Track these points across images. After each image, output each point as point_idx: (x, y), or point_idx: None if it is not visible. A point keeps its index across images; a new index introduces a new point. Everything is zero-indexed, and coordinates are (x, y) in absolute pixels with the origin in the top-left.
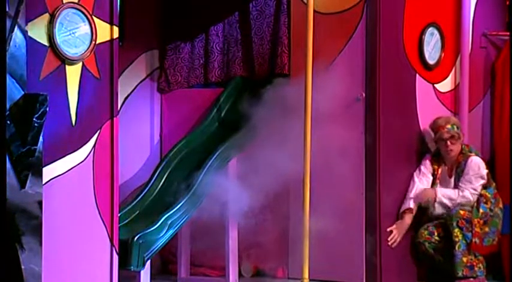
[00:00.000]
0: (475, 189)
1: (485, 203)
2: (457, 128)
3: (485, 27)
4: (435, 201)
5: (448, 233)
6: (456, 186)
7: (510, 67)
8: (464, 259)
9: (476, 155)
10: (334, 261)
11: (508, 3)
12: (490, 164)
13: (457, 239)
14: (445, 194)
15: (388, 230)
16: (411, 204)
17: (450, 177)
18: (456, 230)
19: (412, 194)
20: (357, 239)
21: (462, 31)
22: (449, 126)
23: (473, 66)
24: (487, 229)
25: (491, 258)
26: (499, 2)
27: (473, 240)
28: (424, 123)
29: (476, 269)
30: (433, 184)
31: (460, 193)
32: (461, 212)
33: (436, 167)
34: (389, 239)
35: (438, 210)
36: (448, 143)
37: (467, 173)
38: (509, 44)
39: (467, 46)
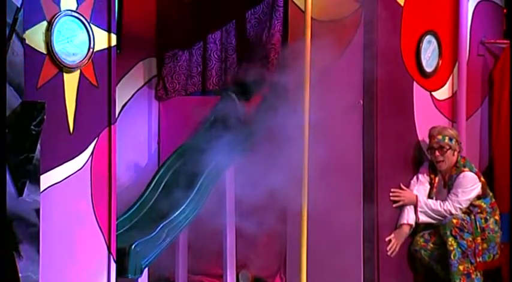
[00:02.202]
0: (459, 203)
1: (480, 213)
2: (451, 139)
3: (483, 35)
4: (417, 207)
5: (443, 241)
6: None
7: (510, 75)
8: (461, 267)
9: (470, 170)
10: (332, 269)
11: (505, 11)
12: (489, 172)
13: (451, 248)
14: (427, 203)
15: (387, 239)
16: (410, 219)
17: (445, 188)
18: (450, 239)
19: (409, 206)
20: (354, 247)
21: (460, 39)
22: (440, 137)
23: (471, 74)
24: (485, 245)
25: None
26: (496, 10)
27: (477, 259)
28: (422, 131)
29: (473, 276)
30: (430, 193)
31: (442, 204)
32: (454, 221)
33: (433, 176)
34: (388, 248)
35: (422, 219)
36: (437, 153)
37: (455, 187)
38: (510, 52)
39: (464, 54)
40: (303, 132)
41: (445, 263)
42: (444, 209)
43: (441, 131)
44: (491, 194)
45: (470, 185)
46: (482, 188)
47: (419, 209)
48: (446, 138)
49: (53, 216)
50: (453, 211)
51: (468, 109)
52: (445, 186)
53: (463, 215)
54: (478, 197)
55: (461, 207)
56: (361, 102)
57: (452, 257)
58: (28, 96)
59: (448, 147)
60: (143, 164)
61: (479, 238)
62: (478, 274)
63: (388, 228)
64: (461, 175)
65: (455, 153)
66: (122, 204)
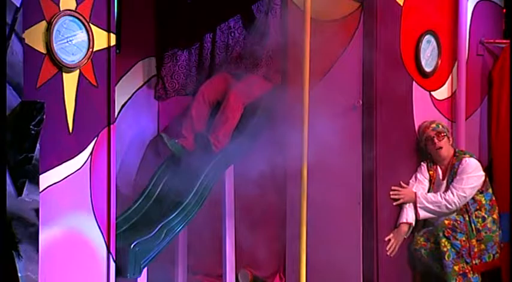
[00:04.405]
0: (464, 192)
1: (479, 209)
2: (443, 127)
3: (482, 34)
4: (416, 204)
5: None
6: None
7: (510, 74)
8: (456, 268)
9: (471, 157)
10: (331, 269)
11: (504, 11)
12: (488, 172)
13: (445, 249)
14: (427, 197)
15: (386, 239)
16: (409, 218)
17: (443, 179)
18: (443, 240)
19: (408, 205)
20: (354, 247)
21: (459, 39)
22: (434, 125)
23: (470, 74)
24: (483, 246)
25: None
26: (495, 10)
27: (474, 262)
28: None
29: (470, 276)
30: (429, 190)
31: (443, 195)
32: (446, 222)
33: (431, 172)
34: (387, 248)
35: (423, 215)
36: (435, 140)
37: (459, 174)
38: (509, 51)
39: (464, 54)
40: (303, 132)
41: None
42: (446, 199)
43: (433, 121)
44: (491, 189)
45: (474, 171)
46: (484, 180)
47: (418, 205)
48: (440, 125)
49: (52, 216)
50: (456, 200)
51: (467, 109)
52: (443, 178)
53: (456, 216)
54: (480, 191)
55: (465, 195)
56: (361, 102)
57: (446, 257)
58: (27, 96)
59: (444, 134)
60: None
61: (474, 240)
62: (476, 274)
63: (387, 228)
64: (464, 161)
65: (451, 143)
66: (121, 203)
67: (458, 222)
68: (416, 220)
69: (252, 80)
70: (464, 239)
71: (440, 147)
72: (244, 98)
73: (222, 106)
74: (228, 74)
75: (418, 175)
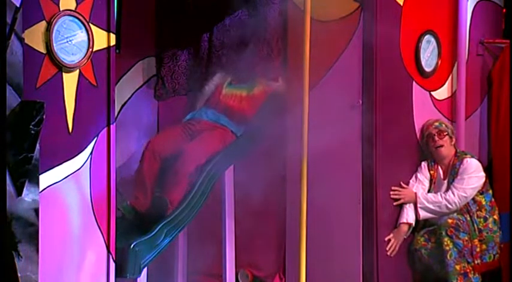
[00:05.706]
0: (464, 192)
1: (479, 210)
2: (446, 126)
3: (482, 34)
4: (416, 205)
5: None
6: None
7: (509, 74)
8: (457, 267)
9: (472, 157)
10: (331, 269)
11: (504, 10)
12: (488, 172)
13: (447, 248)
14: (427, 198)
15: (386, 239)
16: (410, 219)
17: (444, 179)
18: (446, 238)
19: (408, 205)
20: (354, 246)
21: (459, 39)
22: (437, 123)
23: (470, 74)
24: (484, 246)
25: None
26: (495, 10)
27: (475, 262)
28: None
29: (470, 275)
30: (430, 190)
31: (443, 195)
32: (449, 221)
33: (432, 172)
34: (387, 248)
35: (423, 215)
36: (436, 137)
37: (460, 174)
38: (509, 51)
39: (464, 54)
40: (302, 132)
41: (443, 263)
42: (446, 199)
43: (437, 120)
44: (491, 190)
45: (475, 172)
46: (484, 181)
47: (418, 205)
48: (443, 124)
49: (52, 216)
50: (456, 200)
51: (467, 109)
52: (445, 178)
53: (458, 215)
54: (481, 192)
55: (466, 195)
56: (360, 102)
57: (448, 256)
58: (27, 96)
59: (446, 133)
60: None
61: (476, 240)
62: (476, 274)
63: (387, 228)
64: (465, 161)
65: (453, 144)
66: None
67: (461, 221)
68: (417, 220)
69: (207, 137)
70: (466, 238)
71: (441, 146)
72: (196, 158)
73: (174, 166)
74: (182, 128)
75: (419, 175)
